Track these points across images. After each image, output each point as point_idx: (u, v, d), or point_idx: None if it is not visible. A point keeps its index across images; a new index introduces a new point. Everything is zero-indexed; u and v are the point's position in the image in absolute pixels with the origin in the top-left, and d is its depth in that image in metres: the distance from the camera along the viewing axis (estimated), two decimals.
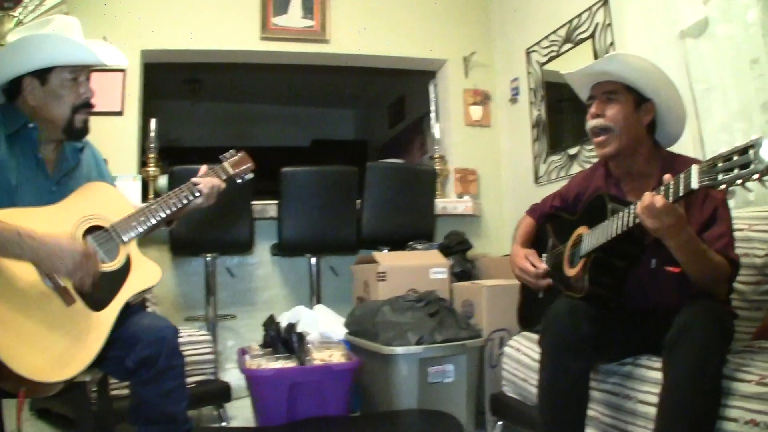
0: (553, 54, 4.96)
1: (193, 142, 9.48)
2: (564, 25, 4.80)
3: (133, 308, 2.29)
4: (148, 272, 2.32)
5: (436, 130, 5.85)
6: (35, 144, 2.28)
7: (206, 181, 2.57)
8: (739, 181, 1.70)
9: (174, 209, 2.47)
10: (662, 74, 2.44)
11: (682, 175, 1.91)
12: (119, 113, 5.03)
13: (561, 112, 4.96)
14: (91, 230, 2.26)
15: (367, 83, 9.13)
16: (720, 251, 2.22)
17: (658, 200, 1.96)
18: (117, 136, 4.96)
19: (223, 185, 2.63)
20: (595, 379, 2.45)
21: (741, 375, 1.99)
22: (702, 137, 3.38)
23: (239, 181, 2.77)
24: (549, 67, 5.06)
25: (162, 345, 2.16)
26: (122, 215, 2.34)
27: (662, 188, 1.99)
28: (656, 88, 2.43)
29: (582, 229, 2.50)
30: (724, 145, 3.20)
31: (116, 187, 2.54)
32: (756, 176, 1.66)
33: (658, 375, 2.17)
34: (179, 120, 9.52)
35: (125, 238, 2.29)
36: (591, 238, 2.36)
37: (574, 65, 4.50)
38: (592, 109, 2.52)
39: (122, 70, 4.98)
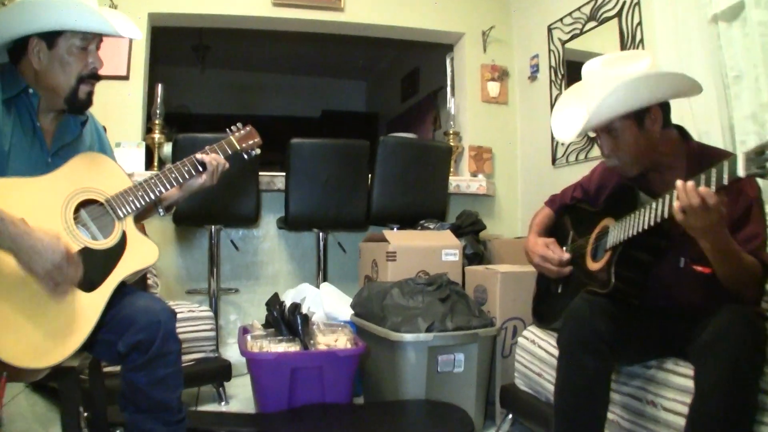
0: (576, 32, 4.80)
1: (201, 109, 9.51)
2: (588, 2, 4.64)
3: (128, 288, 2.16)
4: (144, 251, 2.18)
5: (451, 105, 5.68)
6: (33, 111, 2.13)
7: (212, 158, 2.44)
8: None
9: (175, 184, 2.33)
10: (651, 80, 2.19)
11: (725, 163, 1.77)
12: (125, 78, 4.90)
13: None
14: (85, 204, 2.12)
15: (380, 54, 9.07)
16: (752, 253, 2.10)
17: (710, 195, 1.81)
18: (122, 102, 4.85)
19: (227, 165, 2.50)
20: (616, 380, 2.34)
21: None
22: (732, 125, 3.26)
23: (245, 156, 2.64)
24: (571, 45, 4.90)
25: (157, 329, 2.02)
26: (119, 189, 2.20)
27: (702, 177, 1.85)
28: (651, 97, 2.22)
29: (607, 221, 2.38)
30: (753, 135, 3.12)
31: (114, 158, 2.39)
32: None
33: (685, 382, 2.08)
34: (187, 86, 9.51)
35: (121, 214, 2.15)
36: (618, 230, 2.24)
37: (599, 44, 4.45)
38: (603, 149, 2.37)
39: None
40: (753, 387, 1.84)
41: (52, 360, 1.87)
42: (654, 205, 2.05)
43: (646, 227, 2.08)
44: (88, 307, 1.98)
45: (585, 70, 2.34)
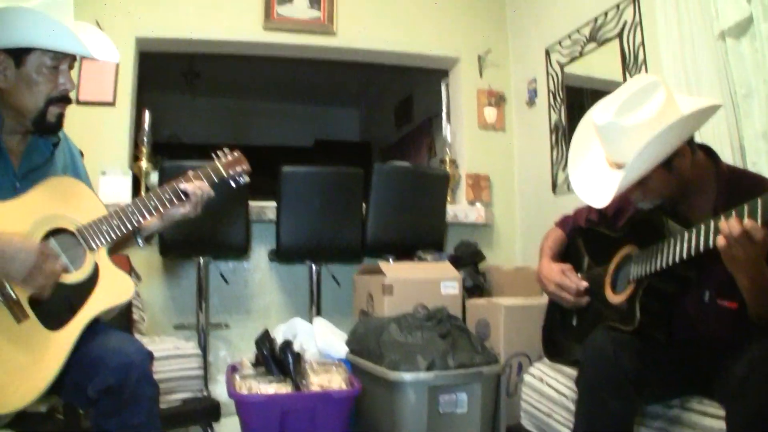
0: (576, 54, 4.67)
1: (192, 138, 9.41)
2: (588, 23, 4.50)
3: (100, 326, 1.98)
4: (118, 286, 2.00)
5: (446, 132, 5.55)
6: None
7: (196, 186, 2.26)
8: None
9: (154, 213, 2.16)
10: (677, 127, 1.97)
11: None
12: (111, 104, 4.72)
13: (582, 117, 4.64)
14: (54, 233, 1.95)
15: (373, 80, 9.02)
16: None
17: (757, 230, 1.65)
18: (108, 128, 4.68)
19: (212, 194, 2.33)
20: (637, 422, 2.14)
21: None
22: (743, 145, 3.11)
23: (233, 184, 2.46)
24: (570, 68, 4.77)
25: (128, 371, 1.84)
26: (92, 217, 2.02)
27: (745, 207, 1.67)
28: (679, 141, 2.02)
29: (629, 249, 2.21)
30: (765, 155, 2.97)
31: (90, 184, 2.22)
32: None
33: (713, 423, 1.93)
34: (178, 114, 9.46)
35: (93, 245, 1.98)
36: (644, 261, 2.06)
37: (599, 67, 4.32)
38: (632, 197, 2.21)
39: None
40: None
41: (12, 406, 1.72)
42: (687, 235, 1.87)
43: (677, 260, 1.91)
44: (55, 347, 1.81)
45: (598, 123, 2.10)
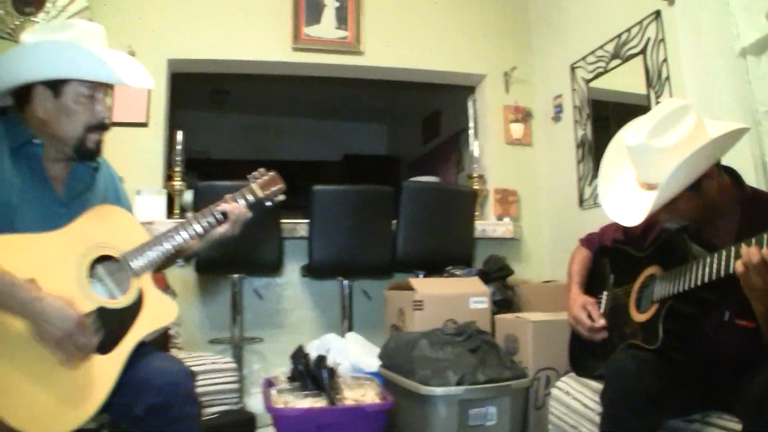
0: (600, 70, 4.71)
1: (220, 155, 9.43)
2: (612, 39, 4.54)
3: (145, 348, 2.05)
4: (162, 309, 2.07)
5: (474, 148, 5.59)
6: (40, 161, 2.06)
7: (234, 206, 2.34)
8: None
9: (194, 235, 2.23)
10: (708, 149, 2.02)
11: None
12: (144, 124, 4.82)
13: (608, 132, 4.67)
14: (100, 260, 2.03)
15: (401, 97, 8.97)
16: None
17: None
18: (141, 148, 4.78)
19: (250, 214, 2.40)
20: None
21: None
22: (765, 163, 3.11)
23: (268, 204, 2.52)
24: (595, 84, 4.81)
25: (174, 391, 1.92)
26: (135, 244, 2.10)
27: (765, 237, 1.71)
28: (710, 163, 2.07)
29: (653, 270, 2.25)
30: None
31: (131, 211, 2.31)
32: None
33: None
34: (206, 131, 9.46)
35: (138, 270, 2.06)
36: (667, 282, 2.11)
37: (623, 83, 4.35)
38: (662, 216, 2.22)
39: None
40: None
41: (66, 427, 1.78)
42: (709, 260, 1.92)
43: (699, 283, 1.95)
44: (104, 370, 1.88)
45: (629, 144, 2.15)
